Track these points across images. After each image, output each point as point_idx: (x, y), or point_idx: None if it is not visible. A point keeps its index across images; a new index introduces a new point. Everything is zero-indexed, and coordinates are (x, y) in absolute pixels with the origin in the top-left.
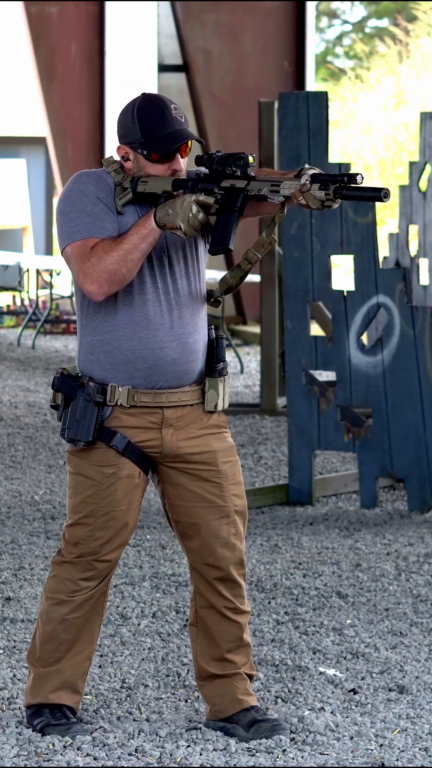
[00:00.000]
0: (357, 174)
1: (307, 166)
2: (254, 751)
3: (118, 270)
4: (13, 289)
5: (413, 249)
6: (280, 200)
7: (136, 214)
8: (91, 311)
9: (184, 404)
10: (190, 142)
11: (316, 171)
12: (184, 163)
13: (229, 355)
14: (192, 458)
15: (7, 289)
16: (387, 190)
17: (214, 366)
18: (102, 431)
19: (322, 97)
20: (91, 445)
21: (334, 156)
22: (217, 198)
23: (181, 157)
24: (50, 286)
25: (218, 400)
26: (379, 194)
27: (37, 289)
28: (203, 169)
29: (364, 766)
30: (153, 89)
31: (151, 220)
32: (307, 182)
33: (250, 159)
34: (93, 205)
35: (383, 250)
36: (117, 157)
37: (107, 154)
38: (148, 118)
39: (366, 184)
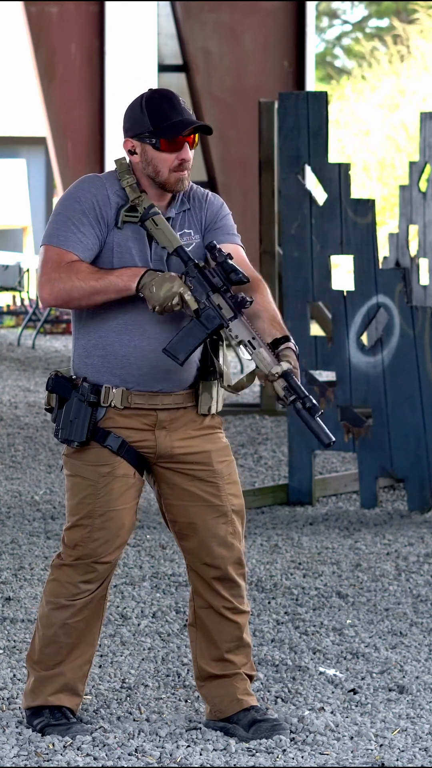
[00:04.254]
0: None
1: (290, 344)
2: (254, 751)
3: (77, 298)
4: (13, 289)
5: (413, 249)
6: (246, 358)
7: (133, 234)
8: (86, 315)
9: (178, 407)
10: (197, 137)
11: (291, 366)
12: (191, 156)
13: (229, 355)
14: (186, 459)
15: (7, 289)
16: (333, 441)
17: (208, 369)
18: (96, 431)
19: (322, 97)
20: (84, 446)
21: (334, 156)
22: (198, 309)
23: (190, 148)
24: None
25: (212, 403)
26: (329, 441)
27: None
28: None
29: (364, 766)
30: None
31: (133, 284)
32: (277, 374)
33: (248, 300)
34: (81, 215)
35: (383, 250)
36: (120, 155)
37: (107, 154)
38: (157, 108)
39: (365, 184)
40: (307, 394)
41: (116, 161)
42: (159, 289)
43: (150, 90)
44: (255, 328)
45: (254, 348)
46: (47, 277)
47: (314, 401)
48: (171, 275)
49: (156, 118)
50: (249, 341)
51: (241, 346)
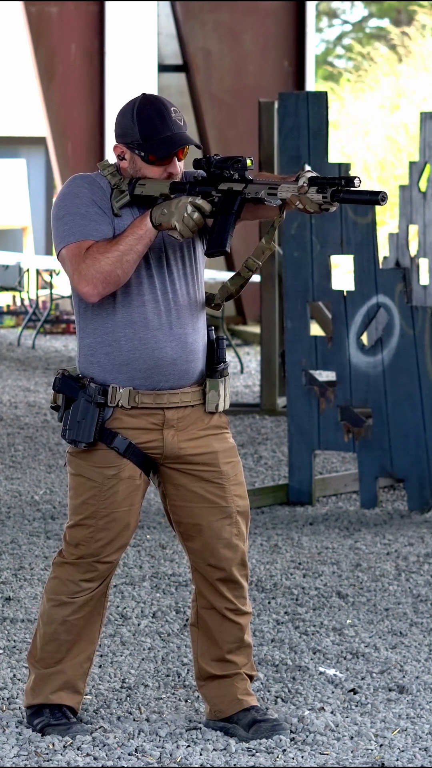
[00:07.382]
0: (355, 177)
1: (306, 168)
2: (254, 751)
3: (113, 271)
4: (13, 289)
5: (413, 249)
6: (277, 203)
7: (132, 216)
8: (90, 313)
9: (185, 405)
10: (187, 148)
11: (314, 174)
12: (181, 166)
13: (229, 355)
14: (193, 459)
15: (7, 289)
16: (384, 193)
17: (214, 367)
18: (103, 432)
19: (322, 98)
20: (92, 447)
21: (334, 156)
22: (213, 200)
23: (178, 160)
24: (50, 286)
25: (219, 401)
26: (377, 198)
27: (37, 289)
28: (201, 172)
29: (364, 766)
30: (153, 89)
31: (147, 221)
32: (305, 185)
33: (248, 162)
34: (87, 207)
35: (383, 250)
36: (113, 158)
37: (107, 154)
38: (147, 120)
39: (365, 185)
40: (336, 178)
41: (99, 164)
42: (169, 207)
43: (142, 97)
44: (266, 178)
45: (276, 187)
46: (77, 274)
47: (346, 177)
48: (174, 197)
49: (145, 132)
50: (268, 190)
51: (265, 198)
